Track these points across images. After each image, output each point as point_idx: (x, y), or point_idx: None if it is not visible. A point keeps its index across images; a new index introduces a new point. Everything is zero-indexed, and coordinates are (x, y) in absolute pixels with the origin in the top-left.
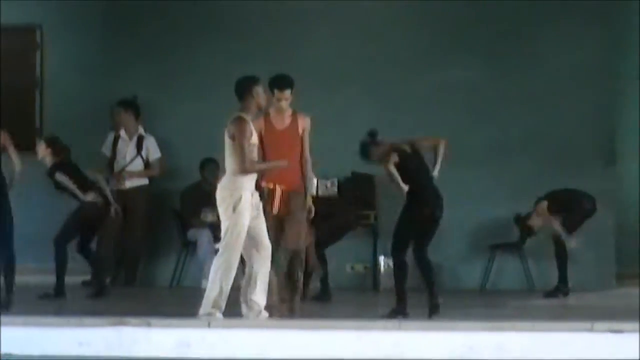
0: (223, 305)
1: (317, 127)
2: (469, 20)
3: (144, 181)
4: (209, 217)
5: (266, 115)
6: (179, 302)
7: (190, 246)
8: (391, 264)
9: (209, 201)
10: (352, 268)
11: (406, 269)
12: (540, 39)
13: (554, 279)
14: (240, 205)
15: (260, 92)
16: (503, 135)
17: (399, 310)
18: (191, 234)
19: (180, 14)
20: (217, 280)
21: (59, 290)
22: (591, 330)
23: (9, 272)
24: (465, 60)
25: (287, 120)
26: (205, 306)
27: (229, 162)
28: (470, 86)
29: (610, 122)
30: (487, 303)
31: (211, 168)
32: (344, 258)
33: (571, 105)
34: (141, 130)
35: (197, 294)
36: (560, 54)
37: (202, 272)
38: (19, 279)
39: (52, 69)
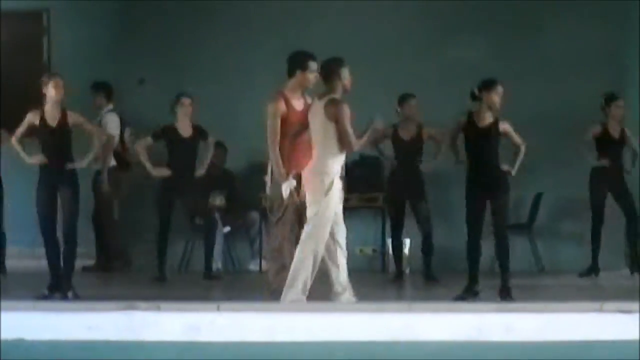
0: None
1: None
2: (475, 2)
3: (106, 162)
4: (218, 201)
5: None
6: (188, 287)
7: (198, 230)
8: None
9: (218, 184)
10: (361, 251)
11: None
12: (549, 21)
13: (562, 259)
14: (332, 189)
15: (347, 74)
16: (511, 116)
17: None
18: (199, 218)
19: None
20: (305, 266)
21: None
22: (600, 310)
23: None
24: (472, 41)
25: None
26: (294, 292)
27: (326, 144)
28: (476, 67)
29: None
30: (497, 285)
31: (220, 152)
32: (353, 241)
33: (579, 85)
34: (106, 109)
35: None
36: (569, 34)
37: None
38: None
39: (60, 54)
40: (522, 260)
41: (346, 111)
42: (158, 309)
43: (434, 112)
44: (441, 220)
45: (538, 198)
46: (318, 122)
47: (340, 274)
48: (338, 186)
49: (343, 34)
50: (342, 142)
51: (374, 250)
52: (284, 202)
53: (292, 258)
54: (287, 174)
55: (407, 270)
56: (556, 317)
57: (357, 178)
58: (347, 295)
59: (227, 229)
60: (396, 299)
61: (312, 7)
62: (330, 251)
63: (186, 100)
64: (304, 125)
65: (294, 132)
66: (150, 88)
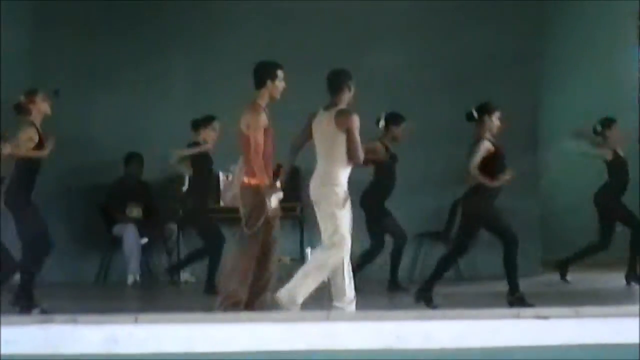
0: None
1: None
2: (395, 7)
3: None
4: (135, 213)
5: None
6: (106, 298)
7: (116, 242)
8: None
9: (134, 196)
10: (279, 260)
11: None
12: (466, 24)
13: (481, 267)
14: (345, 201)
15: (352, 87)
16: (429, 123)
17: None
18: (117, 229)
19: (103, 4)
20: (317, 279)
21: None
22: (518, 317)
23: None
24: (392, 47)
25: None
26: (292, 300)
27: (335, 155)
28: (396, 73)
29: (534, 107)
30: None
31: (136, 163)
32: None
33: (496, 90)
34: None
35: (123, 289)
36: (485, 38)
37: (128, 268)
38: None
39: None
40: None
41: (357, 122)
42: (75, 321)
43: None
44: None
45: (455, 206)
46: (325, 133)
47: (349, 284)
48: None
49: (262, 42)
50: (353, 153)
51: (292, 260)
52: (268, 213)
53: (251, 278)
54: (274, 185)
55: (325, 280)
56: (474, 324)
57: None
58: (352, 306)
59: (144, 240)
60: (314, 307)
61: (230, 14)
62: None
63: None
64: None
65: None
66: (63, 97)
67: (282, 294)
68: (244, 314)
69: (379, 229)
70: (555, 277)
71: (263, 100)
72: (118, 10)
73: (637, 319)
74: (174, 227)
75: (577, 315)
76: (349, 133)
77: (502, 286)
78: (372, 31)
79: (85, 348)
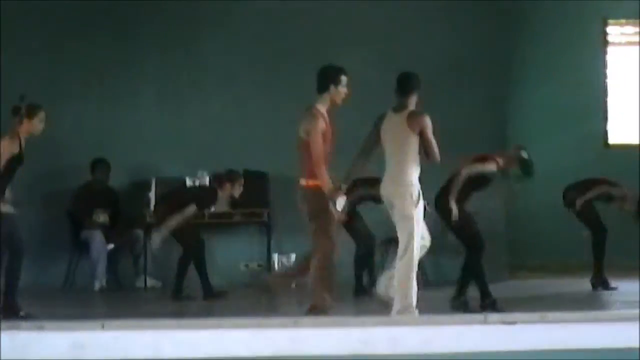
0: None
1: (213, 125)
2: (365, 9)
3: None
4: (101, 218)
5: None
6: (72, 304)
7: (82, 247)
8: (287, 260)
9: (101, 202)
10: (246, 266)
11: None
12: (434, 27)
13: (447, 272)
14: (419, 200)
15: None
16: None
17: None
18: (83, 234)
19: (71, 11)
20: (412, 277)
21: None
22: (484, 322)
23: None
24: (363, 49)
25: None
26: (407, 306)
27: (408, 156)
28: (362, 79)
29: (503, 109)
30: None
31: (103, 169)
32: (238, 256)
33: (464, 94)
34: None
35: (90, 295)
36: (455, 41)
37: (94, 273)
38: None
39: None
40: None
41: (430, 123)
42: (41, 328)
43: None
44: None
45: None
46: (398, 135)
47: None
48: None
49: (222, 54)
50: (430, 153)
51: (259, 265)
52: (336, 217)
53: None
54: (339, 189)
55: (293, 285)
56: (441, 330)
57: (242, 193)
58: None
59: (110, 246)
60: (282, 313)
61: (198, 23)
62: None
63: None
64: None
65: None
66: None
67: (396, 308)
68: (211, 321)
69: (353, 232)
70: (520, 282)
71: (324, 105)
72: (86, 18)
73: (603, 324)
74: (140, 233)
75: (543, 320)
76: (423, 134)
77: (468, 291)
78: (342, 33)
79: (52, 354)
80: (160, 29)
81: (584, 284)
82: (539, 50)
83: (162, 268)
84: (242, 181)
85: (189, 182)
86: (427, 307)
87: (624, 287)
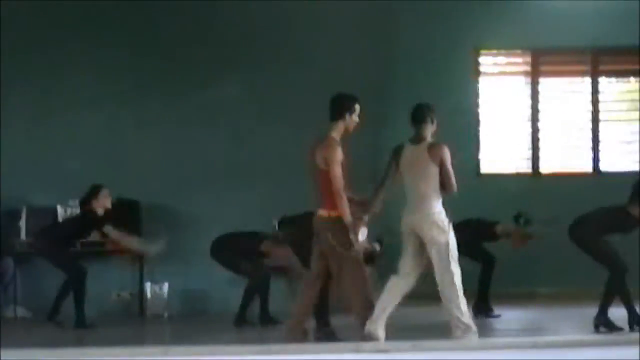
0: None
1: (83, 153)
2: (236, 41)
3: None
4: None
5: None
6: None
7: None
8: (159, 289)
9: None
10: (118, 295)
11: None
12: (306, 60)
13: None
14: (449, 224)
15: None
16: (266, 154)
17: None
18: None
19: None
20: (459, 301)
21: None
22: (358, 351)
23: None
24: (226, 80)
25: None
26: (467, 328)
27: (431, 187)
28: (238, 108)
29: (376, 139)
30: (258, 327)
31: None
32: (110, 285)
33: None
34: None
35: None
36: (330, 70)
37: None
38: None
39: None
40: (282, 301)
41: (449, 153)
42: None
43: (199, 150)
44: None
45: None
46: (419, 166)
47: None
48: None
49: (91, 75)
50: (448, 184)
51: (131, 294)
52: (356, 247)
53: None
54: (361, 220)
55: (165, 315)
56: (314, 358)
57: (114, 222)
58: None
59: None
60: (154, 342)
61: (61, 51)
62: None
63: None
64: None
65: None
66: None
67: (456, 332)
68: (80, 350)
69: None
70: (401, 310)
71: (338, 133)
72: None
73: (476, 352)
74: (10, 262)
75: (415, 349)
76: (442, 165)
77: (343, 319)
78: (215, 61)
79: None
80: (27, 55)
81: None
82: (413, 78)
83: (33, 298)
84: (106, 192)
85: (60, 210)
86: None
87: (508, 315)
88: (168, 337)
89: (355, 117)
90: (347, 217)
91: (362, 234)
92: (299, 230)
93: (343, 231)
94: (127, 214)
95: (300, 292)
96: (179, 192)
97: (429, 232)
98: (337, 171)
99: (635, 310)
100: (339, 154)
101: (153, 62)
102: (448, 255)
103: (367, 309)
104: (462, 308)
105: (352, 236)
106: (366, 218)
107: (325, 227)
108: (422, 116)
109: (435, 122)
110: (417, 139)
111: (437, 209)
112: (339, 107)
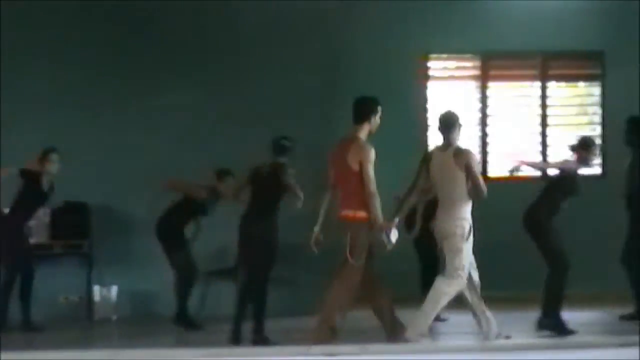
0: None
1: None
2: (186, 45)
3: None
4: None
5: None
6: None
7: None
8: (108, 292)
9: None
10: (66, 299)
11: None
12: (256, 65)
13: (270, 303)
14: (470, 234)
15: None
16: (215, 157)
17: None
18: None
19: None
20: (438, 307)
21: None
22: (307, 354)
23: None
24: (183, 85)
25: None
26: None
27: (458, 192)
28: (188, 111)
29: (326, 142)
30: (205, 329)
31: None
32: (58, 288)
33: (293, 127)
34: None
35: None
36: (280, 75)
37: None
38: None
39: None
40: (230, 305)
41: (475, 158)
42: None
43: (148, 153)
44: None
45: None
46: (447, 172)
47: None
48: None
49: (46, 78)
50: (477, 189)
51: (80, 298)
52: (388, 248)
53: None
54: (392, 222)
55: (114, 318)
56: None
57: (62, 224)
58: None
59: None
60: (102, 346)
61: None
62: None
63: None
64: None
65: None
66: None
67: (410, 332)
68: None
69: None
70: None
71: (364, 135)
72: None
73: (424, 356)
74: None
75: (364, 352)
76: (469, 170)
77: (295, 322)
78: (165, 66)
79: None
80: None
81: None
82: (363, 83)
83: None
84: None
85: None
86: (249, 339)
87: (455, 319)
88: (116, 340)
89: (377, 119)
90: (379, 218)
91: (394, 236)
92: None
93: (366, 233)
94: (75, 215)
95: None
96: (128, 194)
97: (451, 237)
98: (371, 172)
99: (557, 315)
100: (372, 155)
101: (103, 66)
102: (459, 264)
103: (333, 317)
104: (428, 319)
105: (383, 237)
106: (397, 220)
107: (349, 227)
108: (450, 123)
109: (460, 128)
110: (444, 146)
111: (465, 215)
112: (365, 109)
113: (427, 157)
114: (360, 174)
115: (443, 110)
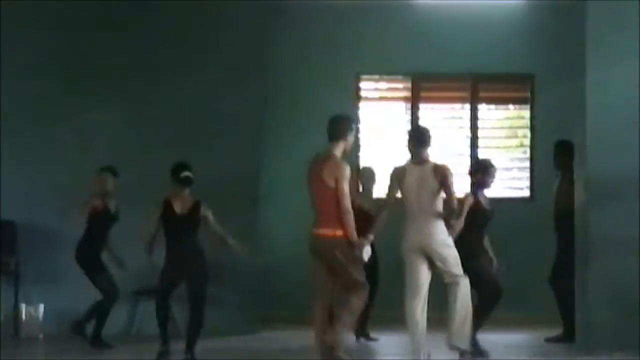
0: None
1: None
2: (110, 65)
3: None
4: None
5: None
6: None
7: None
8: (34, 311)
9: None
10: None
11: None
12: (187, 80)
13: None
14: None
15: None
16: (147, 179)
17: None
18: None
19: None
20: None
21: None
22: None
23: None
24: (105, 104)
25: None
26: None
27: (436, 207)
28: (111, 130)
29: (255, 164)
30: (134, 348)
31: None
32: None
33: (219, 147)
34: None
35: None
36: (208, 94)
37: None
38: None
39: None
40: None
41: (452, 173)
42: None
43: (75, 171)
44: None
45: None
46: (426, 187)
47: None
48: None
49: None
50: (451, 204)
51: (6, 316)
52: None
53: None
54: (366, 239)
55: (41, 336)
56: None
57: None
58: None
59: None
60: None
61: None
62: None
63: None
64: None
65: None
66: None
67: (457, 341)
68: None
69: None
70: (273, 333)
71: (339, 152)
72: None
73: None
74: None
75: None
76: (446, 186)
77: (220, 342)
78: (91, 84)
79: None
80: None
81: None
82: (294, 102)
83: None
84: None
85: None
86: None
87: (385, 340)
88: (43, 359)
89: (351, 138)
90: (354, 235)
91: (366, 253)
92: None
93: (350, 248)
94: (2, 233)
95: (319, 309)
96: (55, 212)
97: (444, 251)
98: (346, 189)
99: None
100: (348, 172)
101: (28, 84)
102: (458, 267)
103: (350, 329)
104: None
105: (357, 253)
106: (371, 237)
107: (332, 245)
108: (425, 140)
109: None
110: (419, 160)
111: (443, 226)
112: (341, 127)
113: (398, 172)
114: (336, 191)
115: (415, 126)
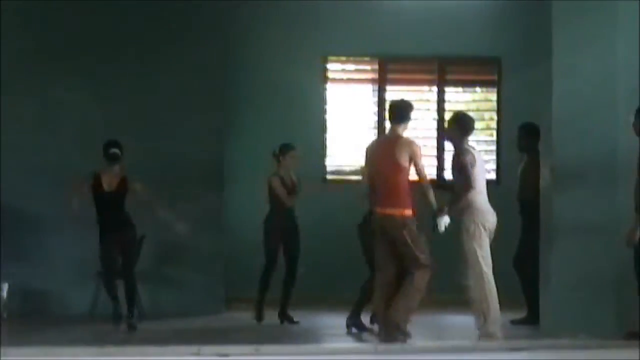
0: None
1: None
2: (76, 42)
3: None
4: None
5: None
6: None
7: None
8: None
9: None
10: None
11: None
12: (152, 62)
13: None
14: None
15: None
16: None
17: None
18: None
19: None
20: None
21: None
22: (198, 354)
23: None
24: (71, 82)
25: None
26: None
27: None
28: (78, 107)
29: (220, 147)
30: (97, 329)
31: None
32: None
33: (184, 129)
34: None
35: None
36: (173, 76)
37: None
38: None
39: None
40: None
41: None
42: None
43: (42, 150)
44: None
45: (140, 241)
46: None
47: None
48: None
49: None
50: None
51: None
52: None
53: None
54: (444, 210)
55: (5, 315)
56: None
57: None
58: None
59: None
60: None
61: None
62: None
63: None
64: None
65: None
66: None
67: (490, 329)
68: None
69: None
70: (237, 314)
71: (404, 134)
72: None
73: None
74: None
75: (258, 353)
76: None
77: (183, 323)
78: (59, 63)
79: None
80: None
81: (304, 316)
82: (260, 84)
83: None
84: None
85: None
86: (143, 339)
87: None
88: (6, 338)
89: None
90: (435, 205)
91: (445, 222)
92: None
93: (416, 231)
94: None
95: (380, 288)
96: (21, 191)
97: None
98: (424, 166)
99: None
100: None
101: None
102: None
103: (405, 319)
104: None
105: (438, 223)
106: (446, 208)
107: (400, 225)
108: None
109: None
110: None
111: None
112: (407, 110)
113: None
114: (416, 168)
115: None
